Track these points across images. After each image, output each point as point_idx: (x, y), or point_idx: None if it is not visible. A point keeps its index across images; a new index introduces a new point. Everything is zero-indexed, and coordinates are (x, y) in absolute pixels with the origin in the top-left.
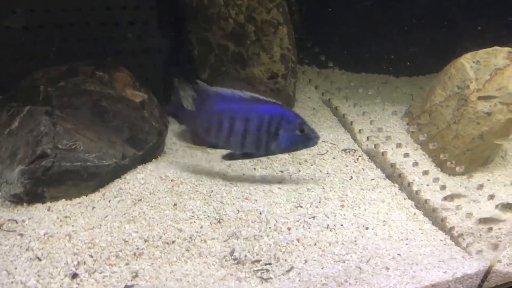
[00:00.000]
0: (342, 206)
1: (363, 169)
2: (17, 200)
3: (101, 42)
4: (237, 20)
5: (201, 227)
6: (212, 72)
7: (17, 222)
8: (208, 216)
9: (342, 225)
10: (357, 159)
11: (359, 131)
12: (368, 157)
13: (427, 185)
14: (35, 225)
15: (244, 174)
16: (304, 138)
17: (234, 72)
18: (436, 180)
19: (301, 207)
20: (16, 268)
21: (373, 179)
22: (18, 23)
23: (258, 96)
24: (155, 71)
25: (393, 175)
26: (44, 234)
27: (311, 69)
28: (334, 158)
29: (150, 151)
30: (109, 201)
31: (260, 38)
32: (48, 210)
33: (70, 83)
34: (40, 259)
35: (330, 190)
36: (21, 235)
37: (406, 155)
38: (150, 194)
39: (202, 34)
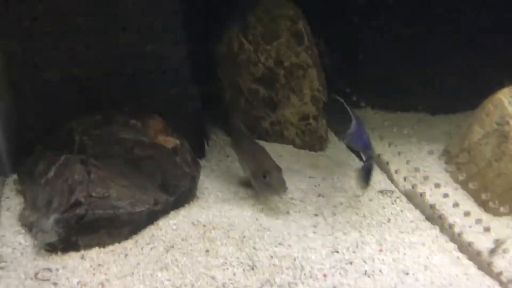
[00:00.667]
0: (380, 250)
1: (401, 211)
2: (52, 248)
3: (135, 91)
4: (267, 64)
5: (234, 274)
6: (243, 115)
7: (51, 271)
8: (241, 263)
9: (380, 271)
10: (395, 200)
11: (396, 171)
12: (406, 198)
13: (470, 226)
14: (69, 274)
15: (277, 219)
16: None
17: (265, 116)
18: (479, 221)
19: (337, 252)
20: None
21: (412, 221)
22: (56, 76)
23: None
24: (188, 117)
25: (433, 216)
26: (78, 283)
27: None
28: (370, 200)
29: (182, 197)
30: (142, 248)
31: (289, 81)
32: (82, 258)
33: (104, 131)
34: None
35: (367, 234)
36: (55, 284)
37: (446, 195)
38: (182, 240)
39: (233, 79)
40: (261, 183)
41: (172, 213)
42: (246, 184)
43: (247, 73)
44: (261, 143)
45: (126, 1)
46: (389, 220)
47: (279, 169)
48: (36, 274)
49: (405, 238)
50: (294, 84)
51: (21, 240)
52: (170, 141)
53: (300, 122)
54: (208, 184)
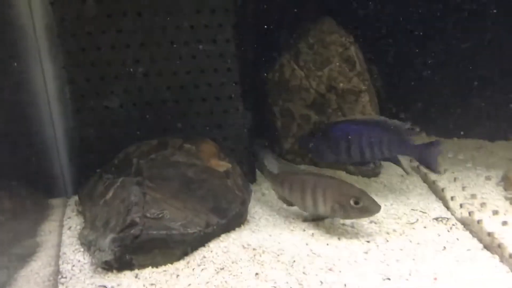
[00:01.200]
0: (435, 279)
1: (457, 239)
2: (108, 267)
3: (189, 117)
4: (318, 90)
5: None
6: (295, 141)
7: None
8: (291, 287)
9: None
10: (451, 228)
11: (452, 198)
12: (462, 226)
13: None
14: None
15: (328, 244)
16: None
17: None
18: None
19: (389, 279)
20: None
21: (469, 250)
22: (115, 103)
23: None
24: (239, 142)
25: (492, 245)
26: None
27: None
28: (425, 227)
29: (233, 220)
30: (193, 269)
31: (341, 106)
32: (136, 277)
33: (160, 155)
34: None
35: (422, 262)
36: None
37: (505, 223)
38: (232, 263)
39: (284, 105)
40: (353, 210)
41: (223, 235)
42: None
43: (299, 99)
44: (312, 169)
45: (180, 32)
46: (444, 248)
47: (363, 191)
48: None
49: (462, 268)
50: (346, 109)
51: (80, 258)
52: (222, 165)
53: None
54: (259, 208)
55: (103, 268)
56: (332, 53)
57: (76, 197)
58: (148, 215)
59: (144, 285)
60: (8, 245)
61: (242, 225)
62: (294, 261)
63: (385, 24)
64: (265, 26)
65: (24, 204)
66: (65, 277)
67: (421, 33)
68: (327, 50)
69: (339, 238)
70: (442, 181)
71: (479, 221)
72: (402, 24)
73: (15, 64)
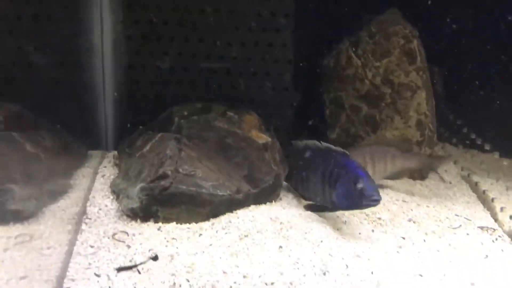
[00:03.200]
0: (472, 284)
1: (502, 250)
2: (133, 215)
3: (238, 90)
4: (373, 82)
5: (304, 275)
6: (341, 132)
7: (128, 235)
8: (314, 266)
9: None
10: (496, 239)
11: (501, 209)
12: (510, 239)
13: None
14: (144, 240)
15: (360, 233)
16: (359, 194)
17: (364, 135)
18: None
19: (421, 276)
20: (116, 276)
21: None
22: (167, 64)
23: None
24: (284, 122)
25: None
26: (149, 250)
27: (456, 150)
28: (467, 234)
29: (265, 192)
30: (217, 232)
31: (395, 101)
32: (158, 229)
33: (202, 118)
34: (139, 272)
35: (459, 265)
36: (129, 246)
37: None
38: (257, 232)
39: (336, 93)
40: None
41: (252, 206)
42: None
43: (352, 89)
44: None
45: (238, 2)
46: (486, 256)
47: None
48: (114, 234)
49: (503, 279)
50: (400, 104)
51: (108, 203)
52: (262, 137)
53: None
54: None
55: (128, 216)
56: (393, 45)
57: (115, 152)
58: (180, 170)
59: (165, 238)
60: (42, 180)
61: (274, 200)
62: (322, 241)
63: (455, 28)
64: (329, 9)
65: (64, 147)
66: (90, 218)
67: (492, 41)
68: (388, 41)
69: (372, 230)
70: (493, 191)
71: None
72: (473, 30)
73: (76, 11)
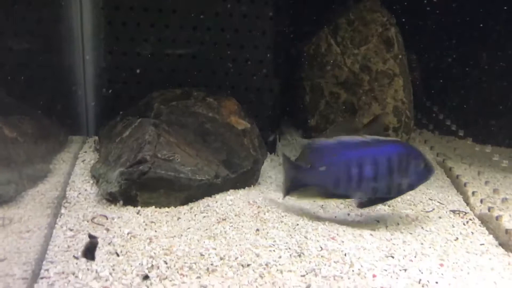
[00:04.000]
0: (441, 265)
1: (472, 232)
2: (112, 199)
3: (218, 75)
4: (352, 69)
5: (280, 257)
6: (320, 119)
7: (107, 218)
8: (289, 248)
9: (437, 282)
10: (467, 222)
11: (473, 193)
12: (480, 221)
13: None
14: (122, 224)
15: (336, 217)
16: (426, 171)
17: (342, 121)
18: None
19: (393, 257)
20: (95, 258)
21: (483, 244)
22: (147, 50)
23: (378, 138)
24: (264, 108)
25: (508, 243)
26: (128, 234)
27: (432, 136)
28: (440, 217)
29: (243, 177)
30: (195, 215)
31: (373, 88)
32: (137, 213)
33: (181, 104)
34: (118, 255)
35: (430, 247)
36: (108, 230)
37: None
38: (235, 215)
39: (315, 80)
40: None
41: (231, 190)
42: None
43: (331, 76)
44: None
45: None
46: (456, 238)
47: None
48: (93, 218)
49: (472, 259)
50: (377, 91)
51: (87, 188)
52: (241, 123)
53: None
54: (273, 175)
55: (108, 200)
56: (371, 32)
57: (96, 138)
58: (159, 155)
59: (144, 222)
60: (21, 165)
61: (252, 185)
62: (298, 224)
63: (434, 17)
64: None
65: (43, 132)
66: (69, 203)
67: (470, 32)
68: (367, 29)
69: (348, 214)
70: (465, 176)
71: (498, 217)
72: (451, 19)
73: None
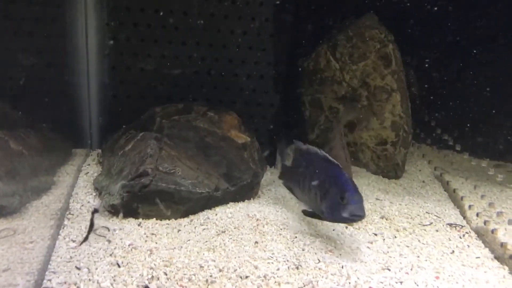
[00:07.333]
0: (437, 278)
1: (468, 245)
2: (114, 211)
3: (219, 91)
4: (351, 84)
5: (278, 269)
6: (321, 133)
7: (109, 230)
8: (287, 260)
9: None
10: (463, 235)
11: (469, 207)
12: (476, 235)
13: None
14: (124, 235)
15: (334, 230)
16: (344, 208)
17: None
18: None
19: (389, 270)
20: (96, 269)
21: (479, 257)
22: (150, 66)
23: (327, 157)
24: (264, 123)
25: (503, 256)
26: (129, 245)
27: (431, 150)
28: (437, 230)
29: (243, 190)
30: (195, 227)
31: (372, 103)
32: (139, 225)
33: (183, 118)
34: (119, 266)
35: (426, 260)
36: (109, 241)
37: None
38: (234, 228)
39: (315, 96)
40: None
41: (231, 203)
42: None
43: (330, 91)
44: None
45: (220, 6)
46: (453, 251)
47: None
48: (95, 230)
49: (467, 272)
50: (376, 106)
51: (90, 200)
52: (241, 137)
53: (377, 147)
54: (272, 188)
55: (110, 212)
56: (369, 49)
57: (99, 151)
58: (160, 168)
59: (145, 233)
60: (26, 177)
61: (252, 198)
62: (296, 237)
63: (431, 33)
64: (308, 14)
65: (48, 145)
66: (72, 214)
67: (466, 44)
68: (365, 45)
69: (346, 227)
70: (462, 190)
71: (493, 231)
72: (448, 35)
73: (61, 13)
